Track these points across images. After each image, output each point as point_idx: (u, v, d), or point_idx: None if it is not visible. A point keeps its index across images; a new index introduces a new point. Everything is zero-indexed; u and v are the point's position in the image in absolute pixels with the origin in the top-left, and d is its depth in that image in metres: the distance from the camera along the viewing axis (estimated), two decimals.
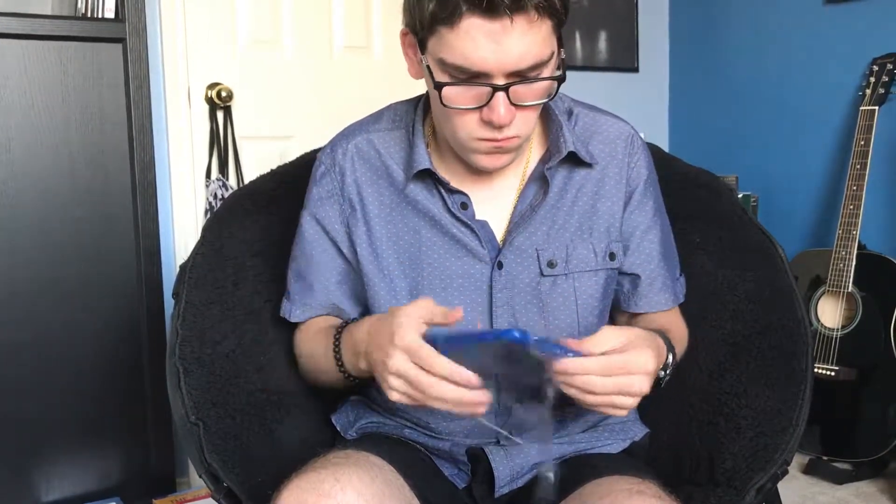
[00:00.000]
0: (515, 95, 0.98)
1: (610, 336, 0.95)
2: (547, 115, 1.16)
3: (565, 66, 1.02)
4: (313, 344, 1.17)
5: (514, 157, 1.09)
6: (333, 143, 1.21)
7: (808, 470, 2.36)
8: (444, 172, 1.13)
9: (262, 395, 1.23)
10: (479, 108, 0.99)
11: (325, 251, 1.19)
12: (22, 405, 1.98)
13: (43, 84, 1.95)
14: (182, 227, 2.35)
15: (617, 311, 1.24)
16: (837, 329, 2.36)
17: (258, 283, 1.32)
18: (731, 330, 1.28)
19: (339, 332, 1.11)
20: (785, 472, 1.14)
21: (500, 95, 0.97)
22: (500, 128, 1.00)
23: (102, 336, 2.07)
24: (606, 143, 1.17)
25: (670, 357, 1.06)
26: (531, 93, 1.00)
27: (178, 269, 1.33)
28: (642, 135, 1.23)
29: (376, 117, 1.21)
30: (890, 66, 2.41)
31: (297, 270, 1.21)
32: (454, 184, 1.12)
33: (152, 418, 2.12)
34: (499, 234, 1.13)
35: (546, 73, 0.99)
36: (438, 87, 0.99)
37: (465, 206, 1.12)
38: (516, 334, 0.87)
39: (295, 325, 1.23)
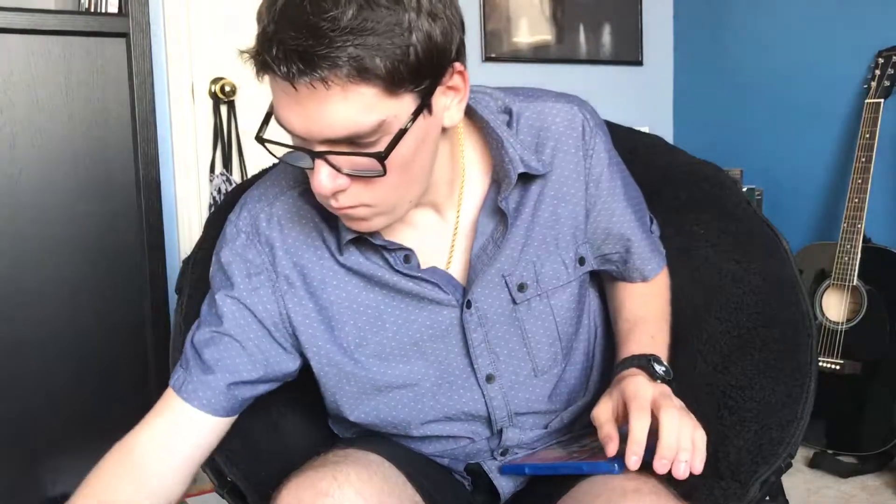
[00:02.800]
0: (340, 163, 0.84)
1: (602, 410, 0.96)
2: (484, 131, 1.02)
3: (399, 137, 0.83)
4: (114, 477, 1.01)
5: (385, 222, 0.93)
6: (249, 208, 1.03)
7: (813, 463, 2.36)
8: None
9: None
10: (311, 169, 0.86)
11: (251, 337, 1.02)
12: (26, 400, 1.98)
13: (47, 79, 1.95)
14: (186, 222, 2.35)
15: (606, 282, 1.21)
16: (842, 323, 2.35)
17: None
18: (736, 323, 1.28)
19: None
20: (789, 466, 1.14)
21: (318, 163, 0.83)
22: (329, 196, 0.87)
23: (106, 331, 2.07)
24: (557, 137, 1.04)
25: (652, 370, 1.00)
26: (360, 164, 0.84)
27: (181, 264, 1.33)
28: (646, 128, 1.21)
29: (293, 170, 1.03)
30: (895, 59, 2.39)
31: (207, 340, 1.03)
32: (388, 236, 0.99)
33: None
34: (457, 272, 1.03)
35: (376, 145, 0.83)
36: (259, 140, 0.87)
37: (409, 258, 1.00)
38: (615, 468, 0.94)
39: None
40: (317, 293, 1.02)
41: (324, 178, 0.84)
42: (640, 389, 0.93)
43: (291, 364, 1.06)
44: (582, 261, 1.09)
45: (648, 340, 1.07)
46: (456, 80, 0.88)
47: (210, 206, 2.35)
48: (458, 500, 1.11)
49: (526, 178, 1.02)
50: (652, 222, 1.21)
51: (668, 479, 0.96)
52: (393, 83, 0.80)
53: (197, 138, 2.35)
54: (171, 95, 2.31)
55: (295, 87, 0.79)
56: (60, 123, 1.98)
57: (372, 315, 1.03)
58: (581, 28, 3.05)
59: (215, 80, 2.34)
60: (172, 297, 2.10)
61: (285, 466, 0.98)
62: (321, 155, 0.83)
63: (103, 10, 2.01)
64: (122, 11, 2.01)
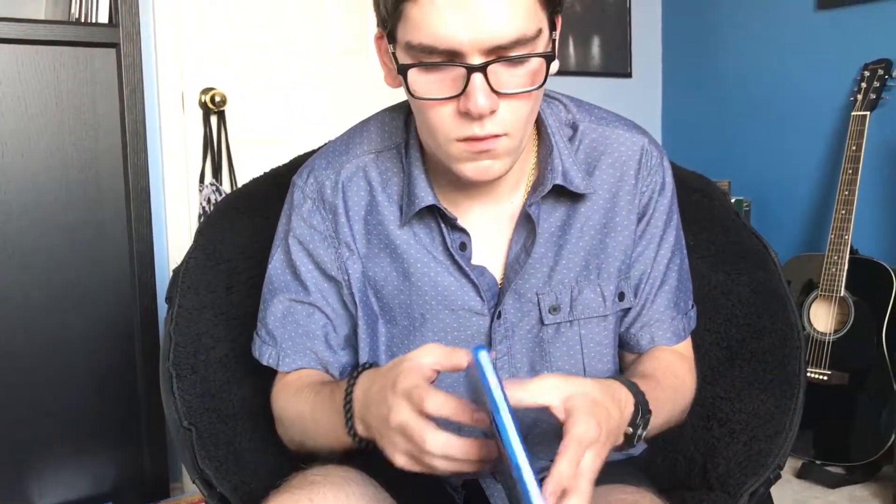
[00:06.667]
0: (496, 80, 0.84)
1: (549, 388, 0.79)
2: (540, 135, 1.02)
3: (555, 47, 0.88)
4: (300, 403, 1.02)
5: (507, 166, 0.93)
6: (316, 175, 1.05)
7: (802, 474, 2.36)
8: (444, 202, 0.99)
9: (255, 399, 1.23)
10: (456, 97, 0.85)
11: (324, 292, 1.05)
12: (15, 409, 1.97)
13: (37, 89, 1.95)
14: (175, 231, 2.35)
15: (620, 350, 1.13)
16: (830, 333, 2.36)
17: (251, 286, 1.31)
18: (725, 334, 1.28)
19: (351, 384, 0.91)
20: (778, 477, 1.14)
21: (477, 78, 0.83)
22: (479, 119, 0.85)
23: (96, 341, 2.06)
24: (617, 165, 1.03)
25: (639, 412, 0.89)
26: (515, 78, 0.86)
27: (171, 274, 1.32)
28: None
29: (362, 133, 1.06)
30: (881, 72, 2.42)
31: (285, 309, 1.06)
32: (454, 214, 0.99)
33: (146, 423, 2.12)
34: (498, 276, 1.02)
35: (530, 58, 0.85)
36: (402, 70, 0.85)
37: (465, 246, 1.00)
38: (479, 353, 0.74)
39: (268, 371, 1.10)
40: (367, 264, 1.04)
41: (482, 95, 0.83)
42: (598, 426, 0.78)
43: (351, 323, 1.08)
44: (622, 296, 1.05)
45: (654, 395, 0.94)
46: (555, 34, 0.90)
47: (199, 216, 2.34)
48: None
49: (573, 199, 1.02)
50: (692, 307, 1.14)
51: (662, 492, 0.97)
52: None
53: (187, 148, 2.35)
54: (161, 105, 2.30)
55: None
56: (50, 133, 1.98)
57: (404, 301, 1.03)
58: (570, 40, 3.06)
59: (205, 91, 2.34)
60: (161, 307, 2.10)
61: (273, 479, 0.97)
62: (483, 67, 0.83)
63: (93, 21, 2.01)
64: (112, 22, 2.01)
